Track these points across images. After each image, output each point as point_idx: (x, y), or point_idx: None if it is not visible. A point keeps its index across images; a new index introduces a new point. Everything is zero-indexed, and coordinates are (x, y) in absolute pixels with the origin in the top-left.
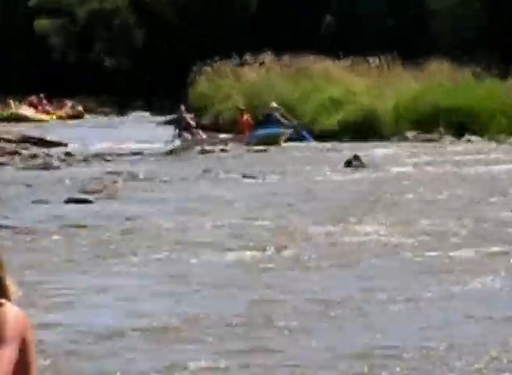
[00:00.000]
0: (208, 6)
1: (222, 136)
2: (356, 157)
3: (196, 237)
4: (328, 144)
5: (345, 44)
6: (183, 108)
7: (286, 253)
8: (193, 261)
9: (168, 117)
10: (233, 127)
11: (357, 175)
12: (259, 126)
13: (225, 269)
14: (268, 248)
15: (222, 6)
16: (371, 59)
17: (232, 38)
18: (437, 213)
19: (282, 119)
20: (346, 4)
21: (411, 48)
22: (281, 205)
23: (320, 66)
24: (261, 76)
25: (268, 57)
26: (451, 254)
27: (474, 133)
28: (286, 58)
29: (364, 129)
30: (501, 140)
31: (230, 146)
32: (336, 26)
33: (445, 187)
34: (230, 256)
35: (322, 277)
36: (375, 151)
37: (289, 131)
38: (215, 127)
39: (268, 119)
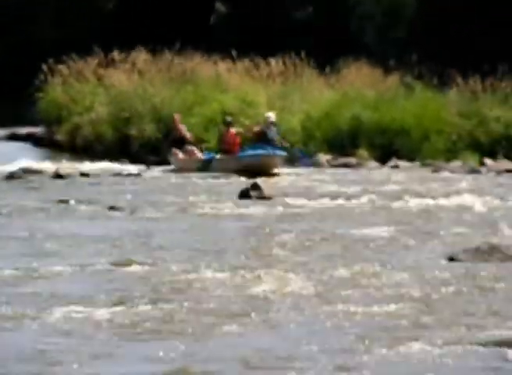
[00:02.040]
0: None
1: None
2: (254, 186)
3: (44, 287)
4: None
5: (241, 41)
6: (176, 115)
7: (160, 308)
8: (40, 320)
9: (11, 130)
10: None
11: (255, 208)
12: (249, 145)
13: (81, 331)
14: (138, 302)
15: None
16: (273, 61)
17: (95, 29)
18: (350, 258)
19: (282, 140)
20: None
21: (325, 48)
22: (155, 246)
23: (208, 69)
24: (133, 80)
25: (141, 56)
26: (354, 310)
27: (402, 157)
28: (164, 58)
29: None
30: (436, 166)
31: (95, 170)
32: (227, 16)
33: (360, 224)
34: (89, 313)
35: (204, 342)
36: (278, 178)
37: (283, 153)
38: (70, 145)
39: (262, 137)
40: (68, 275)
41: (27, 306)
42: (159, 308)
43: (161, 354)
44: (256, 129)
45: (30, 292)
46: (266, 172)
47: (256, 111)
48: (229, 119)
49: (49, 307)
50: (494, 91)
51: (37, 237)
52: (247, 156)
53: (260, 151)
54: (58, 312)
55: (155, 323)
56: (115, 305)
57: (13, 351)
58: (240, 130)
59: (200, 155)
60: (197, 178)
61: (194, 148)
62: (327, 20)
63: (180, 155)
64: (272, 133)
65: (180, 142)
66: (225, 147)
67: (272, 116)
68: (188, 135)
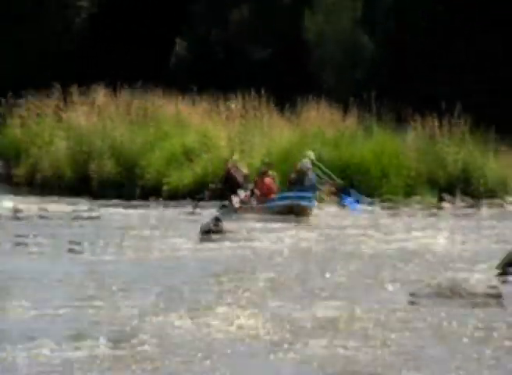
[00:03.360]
0: (19, 14)
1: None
2: (217, 220)
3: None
4: (181, 204)
5: (200, 80)
6: (230, 164)
7: (120, 352)
8: None
9: None
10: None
11: (214, 245)
12: (284, 191)
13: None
14: (93, 344)
15: (38, 14)
16: (232, 99)
17: (54, 67)
18: (308, 300)
19: (324, 179)
20: (199, 27)
21: (284, 88)
22: (111, 287)
23: (169, 107)
24: (92, 118)
25: (101, 93)
26: (314, 353)
27: (362, 193)
28: (124, 94)
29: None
30: (395, 203)
31: (54, 208)
32: (189, 54)
33: (317, 265)
34: (41, 354)
35: None
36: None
37: (310, 203)
38: (28, 182)
39: (299, 182)
40: (23, 316)
41: None
42: (112, 351)
43: None
44: (292, 176)
45: None
46: (301, 216)
47: (217, 144)
48: (264, 168)
49: (3, 348)
50: (451, 129)
51: None
52: (274, 206)
53: (286, 202)
54: (10, 353)
55: (110, 365)
56: (70, 346)
57: None
58: (275, 175)
59: (254, 202)
60: (161, 213)
61: (247, 194)
62: (286, 61)
63: (236, 203)
64: (309, 179)
65: (235, 187)
66: (260, 194)
67: (308, 162)
68: (241, 181)
